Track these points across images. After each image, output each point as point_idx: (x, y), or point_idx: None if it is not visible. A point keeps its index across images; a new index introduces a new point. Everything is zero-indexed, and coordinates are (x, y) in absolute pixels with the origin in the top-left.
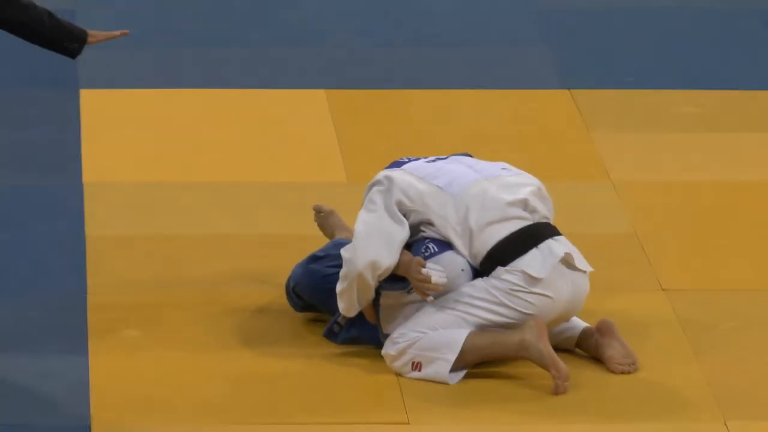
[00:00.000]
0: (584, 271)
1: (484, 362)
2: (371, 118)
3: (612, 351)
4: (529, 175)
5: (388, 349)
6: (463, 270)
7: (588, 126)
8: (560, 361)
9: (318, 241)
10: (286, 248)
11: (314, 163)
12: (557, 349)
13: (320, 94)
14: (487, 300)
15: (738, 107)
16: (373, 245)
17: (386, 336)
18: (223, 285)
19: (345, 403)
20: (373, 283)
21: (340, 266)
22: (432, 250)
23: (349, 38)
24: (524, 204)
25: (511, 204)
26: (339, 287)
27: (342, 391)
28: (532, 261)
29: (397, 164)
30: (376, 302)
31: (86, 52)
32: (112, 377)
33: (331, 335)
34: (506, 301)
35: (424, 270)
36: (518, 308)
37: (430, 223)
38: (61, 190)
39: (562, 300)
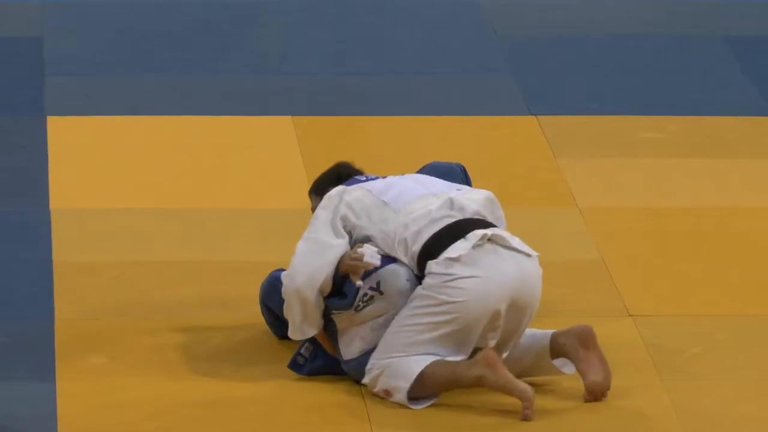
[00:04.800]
0: (528, 254)
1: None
2: (337, 145)
3: (596, 377)
4: (480, 190)
5: (365, 379)
6: (408, 280)
7: (554, 152)
8: (520, 384)
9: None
10: (253, 275)
11: (281, 189)
12: (532, 379)
13: (286, 120)
14: (425, 304)
15: (703, 133)
16: (309, 260)
17: (347, 362)
18: (191, 311)
19: (313, 429)
20: (314, 298)
21: None
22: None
23: (316, 66)
24: (450, 203)
25: (439, 207)
26: (284, 309)
27: (310, 416)
28: (455, 248)
29: (352, 181)
30: (332, 330)
31: (54, 80)
32: (80, 404)
33: (295, 367)
34: (441, 296)
35: (358, 249)
36: (453, 299)
37: (371, 239)
38: (29, 216)
39: (502, 278)
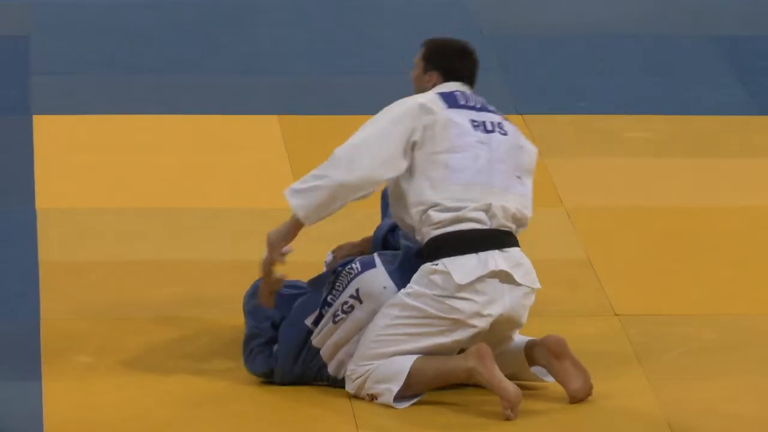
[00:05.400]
0: (528, 287)
1: (438, 388)
2: (324, 144)
3: (576, 384)
4: (529, 202)
5: (348, 387)
6: (385, 288)
7: (541, 151)
8: (505, 383)
9: None
10: (239, 274)
11: (267, 188)
12: (520, 381)
13: (273, 119)
14: (408, 315)
15: (689, 133)
16: (374, 159)
17: (333, 378)
18: (177, 310)
19: (299, 429)
20: (342, 201)
21: (293, 286)
22: (356, 270)
23: (302, 65)
24: (487, 208)
25: (474, 209)
26: (307, 182)
27: (295, 416)
28: (462, 265)
29: (450, 99)
30: (320, 365)
31: (40, 79)
32: (66, 404)
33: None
34: (428, 309)
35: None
36: (441, 314)
37: (409, 178)
38: (15, 216)
39: (492, 310)
